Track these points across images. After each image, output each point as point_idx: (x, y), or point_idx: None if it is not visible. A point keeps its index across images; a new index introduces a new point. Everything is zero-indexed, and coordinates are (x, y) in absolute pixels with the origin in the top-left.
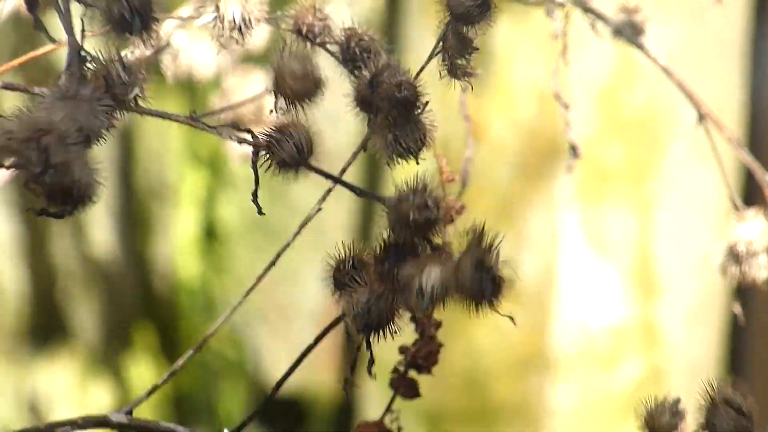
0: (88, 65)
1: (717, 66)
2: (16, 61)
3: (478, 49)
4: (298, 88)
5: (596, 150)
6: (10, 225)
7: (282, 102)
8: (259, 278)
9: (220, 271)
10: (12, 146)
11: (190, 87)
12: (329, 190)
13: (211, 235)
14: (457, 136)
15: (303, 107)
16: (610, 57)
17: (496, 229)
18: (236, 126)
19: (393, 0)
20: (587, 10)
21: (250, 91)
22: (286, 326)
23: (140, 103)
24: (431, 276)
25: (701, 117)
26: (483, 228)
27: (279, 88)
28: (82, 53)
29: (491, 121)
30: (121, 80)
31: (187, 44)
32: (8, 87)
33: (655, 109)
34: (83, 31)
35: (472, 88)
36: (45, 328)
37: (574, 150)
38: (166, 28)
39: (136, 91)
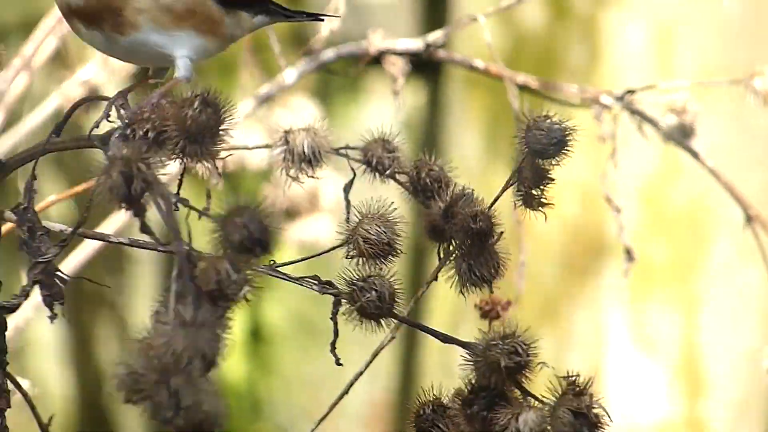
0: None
1: (759, 163)
2: (73, 191)
3: (553, 180)
4: (371, 251)
5: (641, 247)
6: (57, 329)
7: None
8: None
9: (266, 372)
10: (141, 388)
11: (237, 176)
12: (396, 328)
13: (257, 336)
14: (507, 239)
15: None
16: (654, 154)
17: (542, 326)
18: (318, 277)
19: (434, 98)
20: (634, 112)
21: (307, 181)
22: (332, 426)
23: None
24: (528, 420)
25: (749, 219)
26: (576, 375)
27: (354, 244)
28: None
29: (536, 218)
30: (231, 280)
31: (241, 135)
32: (91, 237)
33: (700, 207)
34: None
35: (546, 218)
36: (91, 430)
37: (629, 254)
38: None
39: (246, 289)
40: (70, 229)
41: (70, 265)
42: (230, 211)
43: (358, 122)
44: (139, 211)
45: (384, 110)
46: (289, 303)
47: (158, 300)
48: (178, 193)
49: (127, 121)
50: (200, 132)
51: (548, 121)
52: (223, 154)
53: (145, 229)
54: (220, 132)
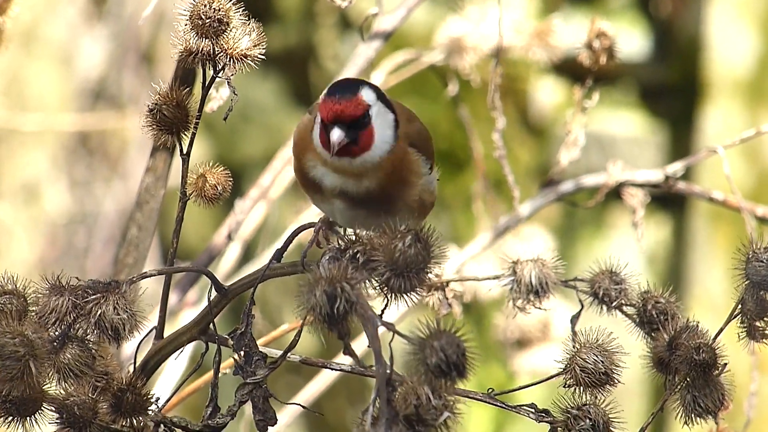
0: (397, 390)
1: None
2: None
3: None
4: (588, 380)
5: None
6: None
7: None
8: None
9: None
10: None
11: (468, 305)
12: None
13: None
14: (741, 369)
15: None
16: None
17: None
18: (534, 405)
19: (679, 232)
20: None
21: (535, 311)
22: None
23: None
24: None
25: None
26: None
27: (571, 372)
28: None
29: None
30: (431, 406)
31: (475, 269)
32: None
33: None
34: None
35: None
36: None
37: None
38: (460, 258)
39: (446, 415)
40: (298, 357)
41: (308, 393)
42: (429, 334)
43: (603, 256)
44: (342, 333)
45: (628, 244)
46: None
47: (355, 422)
48: (381, 316)
49: (339, 245)
50: (407, 266)
51: None
52: (458, 286)
53: (348, 351)
54: (427, 269)
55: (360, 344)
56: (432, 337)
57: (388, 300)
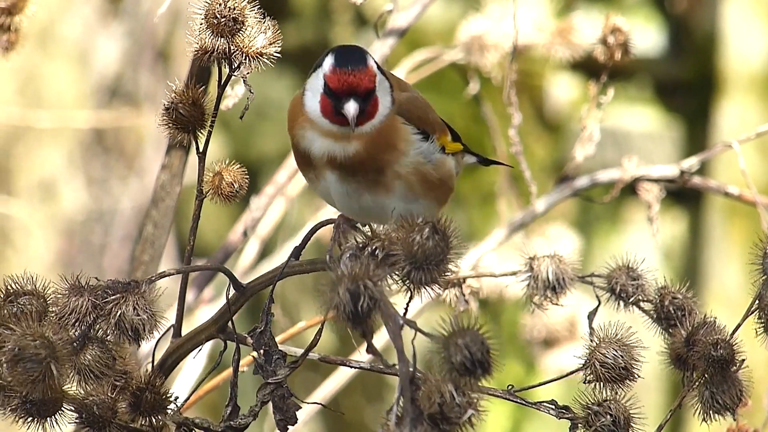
0: (420, 389)
1: None
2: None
3: None
4: (607, 375)
5: None
6: None
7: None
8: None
9: None
10: None
11: (496, 305)
12: None
13: None
14: (759, 364)
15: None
16: None
17: None
18: (555, 401)
19: (695, 227)
20: None
21: (562, 308)
22: None
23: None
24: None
25: None
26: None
27: (591, 368)
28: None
29: None
30: (455, 404)
31: (496, 265)
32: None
33: None
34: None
35: None
36: None
37: None
38: (476, 254)
39: (471, 413)
40: (317, 355)
41: (325, 390)
42: (453, 332)
43: (619, 252)
44: (366, 331)
45: (644, 239)
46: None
47: (380, 422)
48: (405, 314)
49: (358, 242)
50: (426, 259)
51: None
52: (474, 281)
53: (371, 349)
54: (447, 260)
55: (378, 340)
56: (456, 335)
57: (411, 293)
